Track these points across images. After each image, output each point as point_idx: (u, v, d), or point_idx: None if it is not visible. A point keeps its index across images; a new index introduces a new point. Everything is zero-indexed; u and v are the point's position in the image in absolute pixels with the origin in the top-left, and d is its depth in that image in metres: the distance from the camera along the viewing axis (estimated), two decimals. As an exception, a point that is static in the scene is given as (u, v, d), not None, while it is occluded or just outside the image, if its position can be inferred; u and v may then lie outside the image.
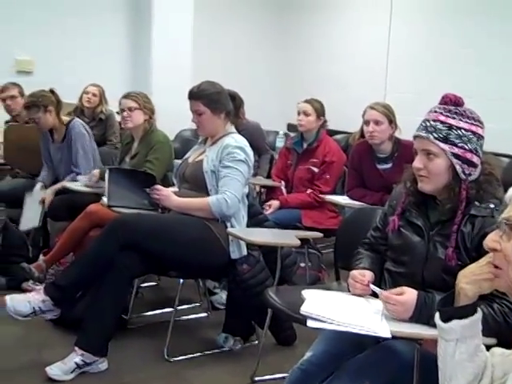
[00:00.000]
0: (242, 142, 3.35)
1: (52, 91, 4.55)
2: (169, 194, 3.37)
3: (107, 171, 3.69)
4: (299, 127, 4.62)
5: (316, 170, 4.47)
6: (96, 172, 4.18)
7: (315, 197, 4.39)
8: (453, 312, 1.53)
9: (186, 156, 3.59)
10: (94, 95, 6.02)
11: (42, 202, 4.39)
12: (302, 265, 3.77)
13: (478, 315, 1.53)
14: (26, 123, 4.54)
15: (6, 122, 5.44)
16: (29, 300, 3.09)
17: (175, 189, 3.55)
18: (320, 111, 4.61)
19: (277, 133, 6.11)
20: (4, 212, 4.89)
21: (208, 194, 3.27)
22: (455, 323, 1.51)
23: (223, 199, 3.19)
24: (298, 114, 4.62)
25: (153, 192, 3.36)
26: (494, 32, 5.60)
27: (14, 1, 6.80)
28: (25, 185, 4.66)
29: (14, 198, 4.64)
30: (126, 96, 4.19)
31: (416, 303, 1.99)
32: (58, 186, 4.45)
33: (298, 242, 3.01)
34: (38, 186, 4.57)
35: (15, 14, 6.81)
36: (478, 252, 1.96)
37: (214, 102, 3.34)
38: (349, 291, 2.29)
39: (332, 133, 5.05)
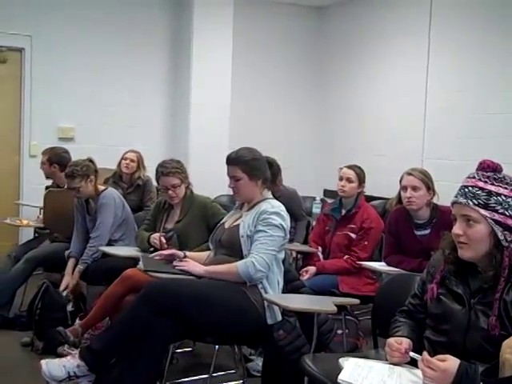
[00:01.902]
0: (279, 207, 3.35)
1: (91, 160, 4.65)
2: (194, 264, 3.40)
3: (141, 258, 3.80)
4: (340, 193, 4.60)
5: (354, 236, 4.43)
6: None
7: (352, 263, 4.33)
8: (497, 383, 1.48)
9: (223, 221, 3.60)
10: (132, 161, 6.11)
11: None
12: (339, 332, 3.71)
13: (524, 387, 1.48)
14: (70, 189, 4.62)
15: (47, 188, 5.55)
16: (64, 365, 3.09)
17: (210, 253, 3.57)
18: (362, 178, 4.61)
19: (313, 199, 6.11)
20: (42, 276, 4.93)
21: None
22: (500, 395, 1.46)
23: (251, 262, 3.18)
24: (340, 179, 4.61)
25: (179, 264, 3.43)
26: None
27: (57, 75, 7.09)
28: (63, 249, 4.70)
29: (53, 262, 4.70)
30: (167, 173, 4.17)
31: (457, 372, 1.93)
32: (77, 275, 4.51)
33: (335, 309, 2.96)
34: (71, 262, 4.61)
35: (59, 86, 7.09)
36: (521, 321, 1.92)
37: (252, 168, 3.37)
38: (387, 360, 2.24)
39: (369, 198, 5.03)
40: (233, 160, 3.39)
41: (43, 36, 7.00)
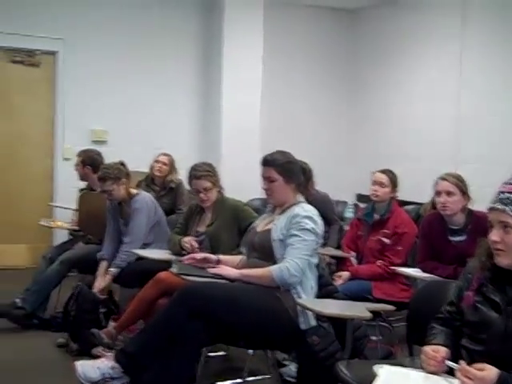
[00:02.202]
0: (311, 211, 3.35)
1: (122, 163, 4.69)
2: (227, 268, 3.41)
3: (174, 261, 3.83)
4: (373, 197, 4.57)
5: (387, 241, 4.39)
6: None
7: (386, 268, 4.30)
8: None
9: (254, 224, 3.61)
10: (165, 164, 6.16)
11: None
12: (373, 338, 3.68)
13: None
14: (102, 192, 4.67)
15: (81, 190, 5.61)
16: (98, 366, 3.12)
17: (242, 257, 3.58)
18: (395, 182, 4.57)
19: (345, 203, 6.08)
20: (76, 278, 4.98)
21: (276, 263, 3.26)
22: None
23: (285, 267, 3.18)
24: (373, 184, 4.57)
25: (212, 269, 3.44)
26: None
27: (90, 78, 7.20)
28: (97, 251, 4.74)
29: (87, 263, 4.74)
30: (199, 177, 4.19)
31: (497, 382, 1.91)
32: (110, 278, 4.53)
33: (370, 315, 2.94)
34: (103, 264, 4.64)
35: (92, 89, 7.17)
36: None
37: (287, 170, 3.39)
38: (422, 368, 2.22)
39: (402, 203, 4.99)
40: (268, 161, 3.41)
41: (76, 39, 7.09)
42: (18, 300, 4.83)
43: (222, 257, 3.68)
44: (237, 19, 7.28)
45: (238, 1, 7.29)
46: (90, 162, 5.34)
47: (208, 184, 4.19)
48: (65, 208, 6.02)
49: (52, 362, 4.15)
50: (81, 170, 5.41)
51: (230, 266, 3.48)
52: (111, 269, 4.52)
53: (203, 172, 4.22)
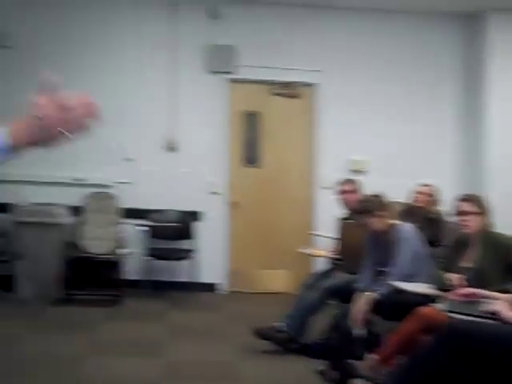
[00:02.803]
0: None
1: (377, 195, 4.70)
2: (506, 305, 3.18)
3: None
4: None
5: None
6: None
7: None
8: None
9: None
10: (426, 195, 6.05)
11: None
12: None
13: None
14: (361, 225, 4.72)
15: (343, 219, 5.66)
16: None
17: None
18: None
19: None
20: (335, 306, 5.03)
21: None
22: None
23: None
24: None
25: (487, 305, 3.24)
26: None
27: (349, 107, 7.34)
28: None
29: (347, 293, 4.74)
30: (463, 199, 4.14)
31: None
32: (367, 305, 4.46)
33: None
34: (360, 295, 4.57)
35: (351, 119, 7.32)
36: None
37: None
38: None
39: None
40: None
41: (333, 70, 7.32)
42: (280, 324, 5.01)
43: (493, 293, 3.46)
44: (501, 46, 7.02)
45: (502, 25, 7.00)
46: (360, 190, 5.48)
47: (469, 208, 4.07)
48: (325, 237, 6.13)
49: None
50: (355, 197, 5.42)
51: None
52: (370, 294, 4.48)
53: (468, 196, 4.21)
